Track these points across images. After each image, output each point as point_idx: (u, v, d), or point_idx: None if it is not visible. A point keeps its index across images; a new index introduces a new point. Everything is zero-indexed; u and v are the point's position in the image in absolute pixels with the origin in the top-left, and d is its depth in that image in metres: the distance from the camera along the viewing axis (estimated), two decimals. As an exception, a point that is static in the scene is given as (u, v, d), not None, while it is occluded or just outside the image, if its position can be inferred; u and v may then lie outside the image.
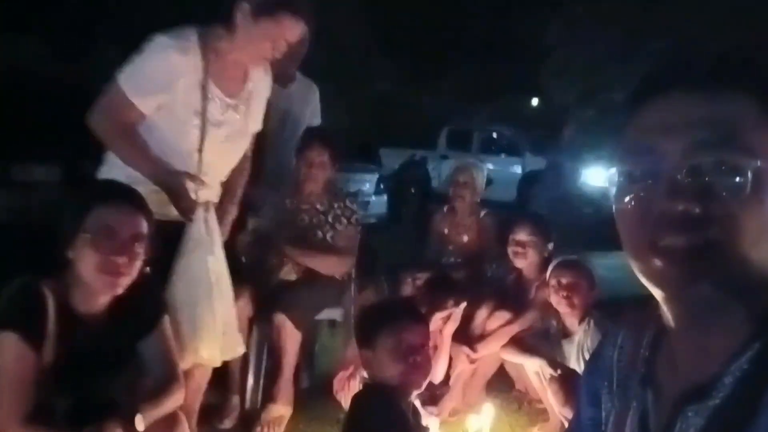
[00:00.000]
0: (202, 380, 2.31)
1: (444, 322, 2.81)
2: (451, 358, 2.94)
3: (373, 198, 9.47)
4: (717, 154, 0.66)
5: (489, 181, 3.99)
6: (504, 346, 3.05)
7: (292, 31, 2.20)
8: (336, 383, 2.64)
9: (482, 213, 3.67)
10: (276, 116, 3.14)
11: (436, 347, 2.65)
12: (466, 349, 3.03)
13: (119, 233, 1.70)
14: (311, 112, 3.44)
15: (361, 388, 2.16)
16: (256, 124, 2.49)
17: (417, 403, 2.03)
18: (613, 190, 0.74)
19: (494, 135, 14.20)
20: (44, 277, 1.72)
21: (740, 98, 0.68)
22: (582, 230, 6.61)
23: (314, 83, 3.49)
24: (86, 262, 1.69)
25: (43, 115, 4.99)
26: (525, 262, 3.20)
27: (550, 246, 3.21)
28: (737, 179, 0.66)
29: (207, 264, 2.18)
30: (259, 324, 2.94)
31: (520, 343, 3.02)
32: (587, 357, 2.45)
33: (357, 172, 9.15)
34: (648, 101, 0.73)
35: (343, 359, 2.78)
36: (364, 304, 2.74)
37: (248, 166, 2.57)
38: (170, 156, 2.20)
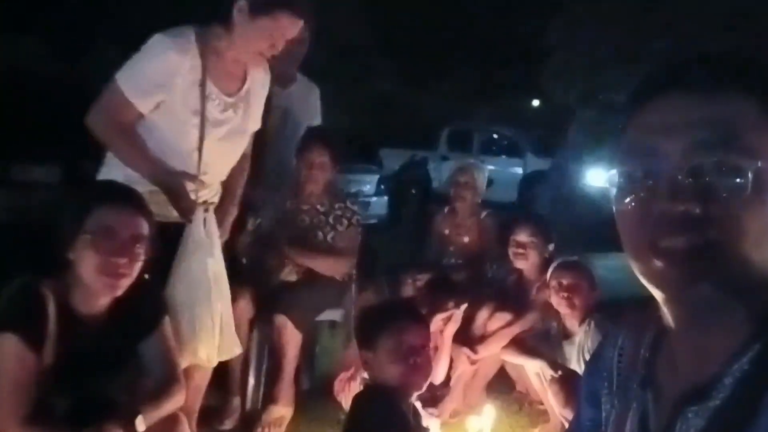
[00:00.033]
0: (201, 381, 2.31)
1: (444, 323, 2.81)
2: (451, 360, 2.94)
3: (374, 199, 9.47)
4: (717, 154, 0.66)
5: (490, 182, 3.99)
6: (505, 347, 3.05)
7: (290, 28, 2.20)
8: (336, 384, 2.64)
9: (483, 214, 3.67)
10: (276, 116, 3.14)
11: (436, 348, 2.65)
12: (466, 350, 3.02)
13: (119, 234, 1.70)
14: (311, 113, 3.44)
15: (361, 389, 2.16)
16: (255, 123, 2.49)
17: (417, 404, 2.03)
18: (614, 191, 0.74)
19: (495, 136, 14.19)
20: (44, 277, 1.72)
21: (740, 99, 0.68)
22: (582, 231, 6.60)
23: (314, 83, 3.49)
24: (86, 263, 1.69)
25: (43, 115, 5.00)
26: (526, 263, 3.20)
27: (551, 247, 3.21)
28: (737, 180, 0.66)
29: (206, 265, 2.18)
30: (260, 325, 2.94)
31: (520, 344, 3.02)
32: (588, 358, 2.45)
33: (357, 172, 9.15)
34: (648, 102, 0.73)
35: (344, 360, 2.78)
36: (364, 305, 2.74)
37: (248, 165, 2.57)
38: (170, 156, 2.20)
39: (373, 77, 15.05)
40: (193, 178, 2.21)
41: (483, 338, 3.08)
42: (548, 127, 13.45)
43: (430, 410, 2.66)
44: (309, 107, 3.44)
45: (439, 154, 13.47)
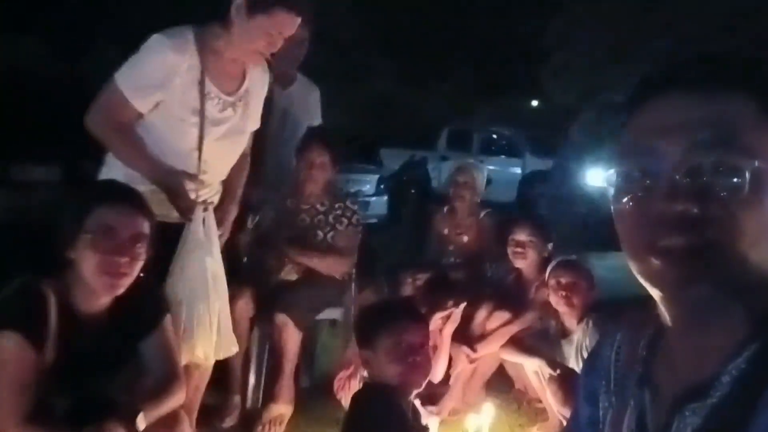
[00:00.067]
0: (201, 379, 2.31)
1: (444, 322, 2.82)
2: (450, 358, 2.94)
3: (374, 198, 9.47)
4: (716, 154, 0.67)
5: (489, 182, 3.99)
6: (503, 345, 3.06)
7: (288, 26, 2.20)
8: (336, 383, 2.65)
9: (482, 213, 3.67)
10: (276, 116, 3.15)
11: (435, 347, 2.65)
12: (465, 349, 3.03)
13: (120, 233, 1.71)
14: (311, 113, 3.45)
15: (361, 387, 2.17)
16: (254, 122, 2.49)
17: (417, 403, 2.03)
18: (612, 191, 0.74)
19: (494, 136, 14.17)
20: (45, 277, 1.72)
21: (739, 99, 0.68)
22: (581, 230, 6.60)
23: (314, 83, 3.49)
24: (87, 262, 1.69)
25: (43, 115, 5.01)
26: (524, 262, 3.21)
27: (550, 246, 3.21)
28: (736, 180, 0.66)
29: (205, 264, 2.18)
30: (260, 324, 2.95)
31: (519, 342, 3.03)
32: (586, 356, 2.45)
33: (357, 172, 9.16)
34: (647, 102, 0.73)
35: (344, 359, 2.78)
36: (364, 304, 2.75)
37: (248, 165, 2.57)
38: (169, 155, 2.21)
39: (373, 77, 15.03)
40: (193, 177, 2.22)
41: (482, 337, 3.09)
42: (548, 127, 13.43)
43: (430, 408, 2.66)
44: (309, 107, 3.44)
45: (439, 154, 13.45)
